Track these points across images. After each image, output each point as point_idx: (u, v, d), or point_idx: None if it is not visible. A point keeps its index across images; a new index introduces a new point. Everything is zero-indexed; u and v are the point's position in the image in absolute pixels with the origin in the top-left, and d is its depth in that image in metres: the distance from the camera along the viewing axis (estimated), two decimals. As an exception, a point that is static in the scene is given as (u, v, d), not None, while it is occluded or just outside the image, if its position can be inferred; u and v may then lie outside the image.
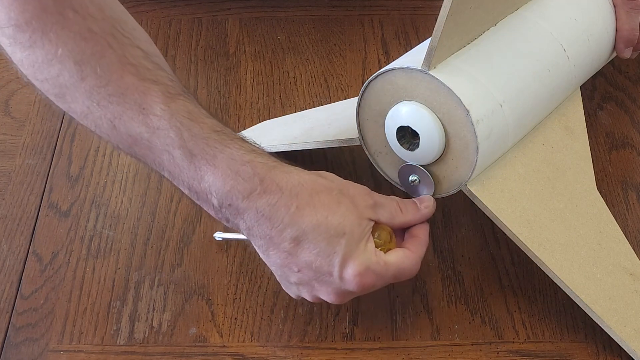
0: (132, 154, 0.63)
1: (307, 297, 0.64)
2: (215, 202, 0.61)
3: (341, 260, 0.61)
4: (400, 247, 0.64)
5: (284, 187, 0.60)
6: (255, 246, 0.63)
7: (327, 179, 0.63)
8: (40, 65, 0.60)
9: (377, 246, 0.63)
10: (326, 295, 0.63)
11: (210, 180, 0.60)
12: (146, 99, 0.60)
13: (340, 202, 0.61)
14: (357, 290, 0.61)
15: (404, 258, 0.63)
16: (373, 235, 0.63)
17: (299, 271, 0.62)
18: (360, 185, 0.64)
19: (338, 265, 0.61)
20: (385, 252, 0.63)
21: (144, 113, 0.60)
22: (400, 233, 0.66)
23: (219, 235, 0.74)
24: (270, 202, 0.60)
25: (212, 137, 0.61)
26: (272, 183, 0.60)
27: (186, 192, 0.62)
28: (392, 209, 0.65)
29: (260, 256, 0.63)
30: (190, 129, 0.60)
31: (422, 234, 0.66)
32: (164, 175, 0.63)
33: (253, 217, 0.61)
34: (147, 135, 0.61)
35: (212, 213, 0.62)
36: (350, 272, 0.61)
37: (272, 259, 0.62)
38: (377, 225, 0.64)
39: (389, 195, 0.66)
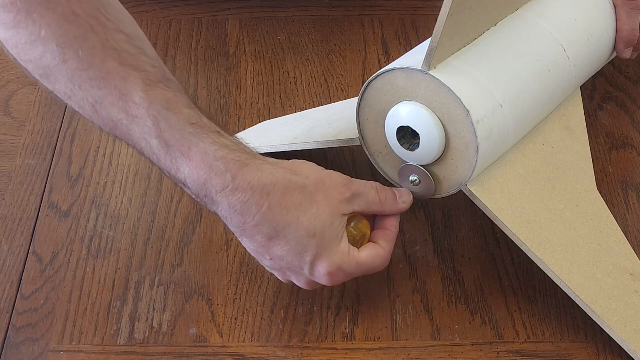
0: (115, 136, 0.63)
1: (280, 279, 0.66)
2: (191, 191, 0.62)
3: (312, 259, 0.62)
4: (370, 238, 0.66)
5: (256, 186, 0.61)
6: (232, 229, 0.64)
7: (302, 176, 0.63)
8: (23, 46, 0.61)
9: (351, 235, 0.64)
10: (297, 282, 0.65)
11: (186, 172, 0.61)
12: (126, 85, 0.61)
13: (312, 200, 0.62)
14: (328, 284, 0.64)
15: (375, 256, 0.65)
16: (349, 225, 0.64)
17: (271, 259, 0.63)
18: (339, 175, 0.65)
19: (309, 263, 0.62)
20: (359, 242, 0.65)
21: (124, 100, 0.61)
22: (371, 217, 0.67)
23: None
24: (242, 199, 0.61)
25: (187, 129, 0.61)
26: (244, 181, 0.61)
27: (167, 176, 0.63)
28: (370, 198, 0.66)
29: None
30: (167, 119, 0.61)
31: (393, 226, 0.67)
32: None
33: (227, 210, 0.61)
34: (126, 122, 0.61)
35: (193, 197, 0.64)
36: (321, 270, 0.62)
37: (245, 244, 0.64)
38: (353, 215, 0.65)
39: (369, 181, 0.66)
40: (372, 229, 0.67)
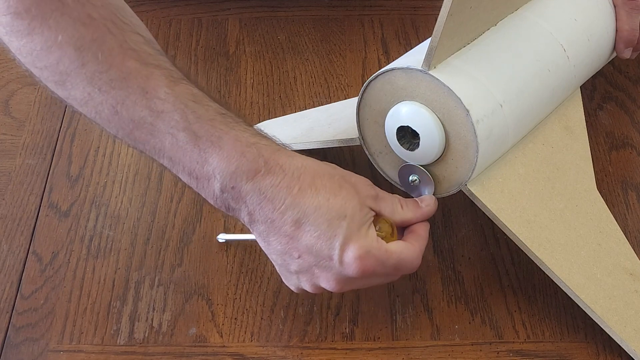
0: (132, 140, 0.62)
1: (307, 287, 0.64)
2: (217, 186, 0.61)
3: (342, 242, 0.60)
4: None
5: (287, 169, 0.61)
6: (255, 234, 0.63)
7: (330, 166, 0.63)
8: (39, 53, 0.60)
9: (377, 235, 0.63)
10: (326, 282, 0.62)
11: (215, 162, 0.60)
12: (149, 82, 0.60)
13: (342, 186, 0.62)
14: (357, 274, 0.61)
15: (404, 249, 0.63)
16: (374, 226, 0.63)
17: (299, 257, 0.61)
18: (363, 177, 0.64)
19: (338, 248, 0.60)
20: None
21: (148, 97, 0.60)
22: (400, 231, 0.66)
23: (222, 237, 0.74)
24: (273, 183, 0.60)
25: (217, 119, 0.61)
26: (276, 165, 0.61)
27: (185, 178, 0.62)
28: (394, 204, 0.65)
29: (261, 245, 0.63)
30: (195, 111, 0.60)
31: (422, 230, 0.66)
32: (162, 164, 0.63)
33: (255, 200, 0.61)
34: (150, 119, 0.61)
35: (211, 201, 0.62)
36: (351, 254, 0.60)
37: (272, 246, 0.62)
38: (378, 217, 0.64)
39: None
40: (402, 237, 0.66)
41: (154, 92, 0.60)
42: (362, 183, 0.64)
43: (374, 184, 0.64)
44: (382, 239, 0.63)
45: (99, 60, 0.60)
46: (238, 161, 0.60)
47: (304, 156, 0.63)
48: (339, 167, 0.64)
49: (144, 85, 0.60)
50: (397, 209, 0.65)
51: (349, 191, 0.62)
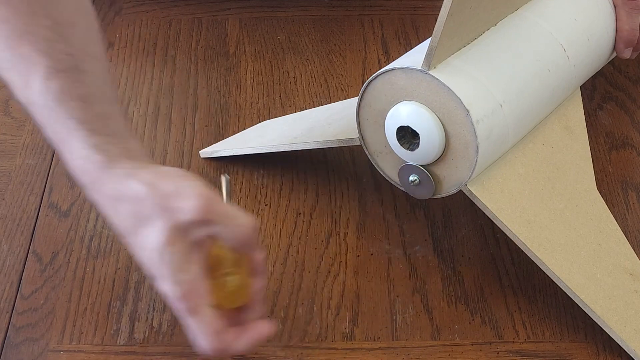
0: None
1: None
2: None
3: None
4: None
5: (107, 194, 0.60)
6: None
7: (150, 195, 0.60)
8: None
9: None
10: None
11: (68, 162, 0.61)
12: (31, 70, 0.62)
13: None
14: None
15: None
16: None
17: None
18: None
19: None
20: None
21: (27, 86, 0.62)
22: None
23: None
24: (97, 201, 0.61)
25: (66, 123, 0.61)
26: (99, 185, 0.60)
27: None
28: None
29: None
30: (56, 111, 0.61)
31: None
32: None
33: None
34: (28, 107, 0.62)
35: None
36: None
37: None
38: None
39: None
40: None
41: (32, 82, 0.61)
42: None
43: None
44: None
45: (2, 41, 0.62)
46: (74, 171, 0.61)
47: (131, 175, 0.60)
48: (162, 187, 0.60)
49: (27, 72, 0.62)
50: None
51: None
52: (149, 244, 0.58)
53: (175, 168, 0.61)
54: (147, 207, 0.58)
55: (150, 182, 0.59)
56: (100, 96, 0.63)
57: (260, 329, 0.61)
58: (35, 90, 0.61)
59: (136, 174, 0.59)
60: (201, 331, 0.58)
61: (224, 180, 0.65)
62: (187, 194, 0.58)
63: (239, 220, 0.59)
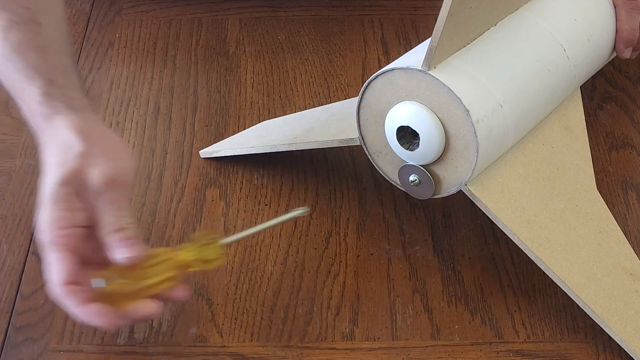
0: None
1: None
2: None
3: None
4: None
5: (48, 140, 0.63)
6: None
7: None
8: None
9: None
10: None
11: (24, 112, 0.65)
12: None
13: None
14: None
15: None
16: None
17: None
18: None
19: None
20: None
21: None
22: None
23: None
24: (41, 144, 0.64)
25: (24, 72, 0.64)
26: (44, 134, 0.64)
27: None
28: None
29: None
30: (13, 61, 0.64)
31: None
32: None
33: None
34: None
35: None
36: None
37: None
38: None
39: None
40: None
41: None
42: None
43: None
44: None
45: None
46: (30, 117, 0.64)
47: (73, 123, 0.63)
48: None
49: None
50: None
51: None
52: (50, 179, 0.61)
53: (116, 137, 0.65)
54: (70, 156, 0.61)
55: (87, 136, 0.62)
56: (57, 48, 0.66)
57: (100, 316, 0.59)
58: None
59: (77, 127, 0.62)
60: (51, 267, 0.60)
61: (299, 211, 0.66)
62: (102, 164, 0.61)
63: (111, 227, 0.61)
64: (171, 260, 0.62)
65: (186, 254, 0.62)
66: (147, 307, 0.60)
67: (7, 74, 0.65)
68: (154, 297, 0.61)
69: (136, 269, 0.60)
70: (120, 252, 0.60)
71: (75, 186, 0.60)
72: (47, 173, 0.61)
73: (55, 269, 0.60)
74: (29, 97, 0.64)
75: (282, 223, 0.66)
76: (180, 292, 0.62)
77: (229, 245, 0.66)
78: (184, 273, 0.62)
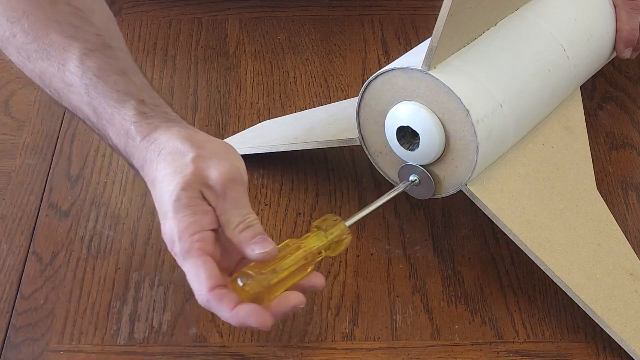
0: (66, 108, 0.66)
1: None
2: (122, 157, 0.64)
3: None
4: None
5: (153, 149, 0.61)
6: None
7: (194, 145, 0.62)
8: None
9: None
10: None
11: (113, 137, 0.63)
12: (65, 55, 0.64)
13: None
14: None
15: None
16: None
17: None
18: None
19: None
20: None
21: (62, 70, 0.64)
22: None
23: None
24: (144, 158, 0.62)
25: (112, 96, 0.63)
26: (148, 142, 0.62)
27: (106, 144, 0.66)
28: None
29: None
30: (96, 87, 0.63)
31: None
32: None
33: (139, 171, 0.63)
34: (65, 92, 0.64)
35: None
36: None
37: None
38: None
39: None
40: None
41: (67, 65, 0.64)
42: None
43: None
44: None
45: (25, 32, 0.65)
46: (125, 139, 0.62)
47: (173, 134, 0.62)
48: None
49: (60, 57, 0.64)
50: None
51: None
52: (169, 188, 0.59)
53: (221, 141, 0.63)
54: (185, 162, 0.60)
55: (196, 142, 0.61)
56: (134, 69, 0.65)
57: (255, 316, 0.58)
58: (71, 72, 0.63)
59: (182, 136, 0.61)
60: (193, 275, 0.58)
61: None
62: (218, 165, 0.60)
63: (240, 226, 0.59)
64: (301, 249, 0.61)
65: (315, 241, 0.62)
66: (294, 299, 0.59)
67: (91, 101, 0.63)
68: (291, 289, 0.60)
69: (270, 263, 0.60)
70: (254, 249, 0.59)
71: (197, 189, 0.59)
72: (164, 184, 0.60)
73: (200, 275, 0.57)
74: (122, 120, 0.62)
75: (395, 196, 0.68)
76: (317, 279, 0.62)
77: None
78: (316, 260, 0.62)
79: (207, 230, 0.59)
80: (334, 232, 0.63)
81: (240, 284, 0.58)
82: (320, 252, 0.62)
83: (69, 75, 0.64)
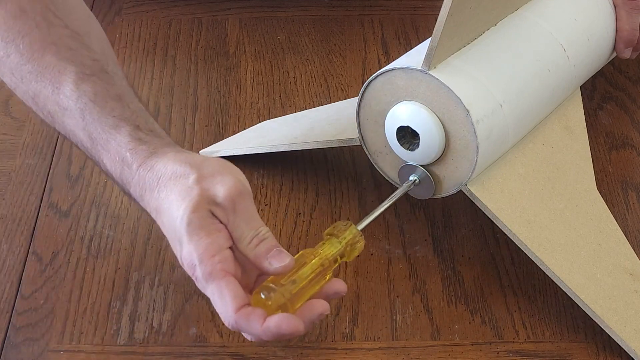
0: (58, 131, 0.66)
1: None
2: (117, 183, 0.64)
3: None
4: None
5: (151, 177, 0.61)
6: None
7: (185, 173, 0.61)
8: None
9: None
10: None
11: (108, 164, 0.63)
12: (60, 78, 0.63)
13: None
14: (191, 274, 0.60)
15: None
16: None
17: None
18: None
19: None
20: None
21: (56, 92, 0.63)
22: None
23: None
24: (142, 186, 0.61)
25: (108, 121, 0.62)
26: (145, 169, 0.61)
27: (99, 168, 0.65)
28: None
29: None
30: (91, 112, 0.62)
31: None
32: None
33: (136, 198, 0.63)
34: (60, 115, 0.63)
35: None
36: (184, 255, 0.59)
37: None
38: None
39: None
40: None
41: (62, 88, 0.63)
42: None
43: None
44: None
45: (20, 53, 0.63)
46: (120, 166, 0.62)
47: (171, 160, 0.61)
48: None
49: (55, 80, 0.63)
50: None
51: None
52: (179, 213, 0.58)
53: (217, 158, 0.63)
54: (188, 184, 0.59)
55: (194, 164, 0.60)
56: (129, 94, 0.65)
57: (287, 323, 0.57)
58: (66, 96, 0.62)
59: (180, 159, 0.61)
60: (218, 298, 0.57)
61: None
62: (222, 181, 0.59)
63: (254, 240, 0.59)
64: (318, 258, 0.61)
65: (329, 248, 0.62)
66: (319, 307, 0.59)
67: (86, 126, 0.63)
68: (315, 298, 0.60)
69: (288, 275, 0.60)
70: (272, 263, 0.59)
71: (206, 209, 0.58)
72: (172, 211, 0.59)
73: (225, 297, 0.57)
74: (117, 147, 0.62)
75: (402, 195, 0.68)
76: (339, 285, 0.62)
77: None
78: (333, 267, 0.62)
79: (226, 249, 0.58)
80: (346, 236, 0.63)
81: (263, 297, 0.58)
82: (336, 260, 0.62)
83: (64, 99, 0.63)
